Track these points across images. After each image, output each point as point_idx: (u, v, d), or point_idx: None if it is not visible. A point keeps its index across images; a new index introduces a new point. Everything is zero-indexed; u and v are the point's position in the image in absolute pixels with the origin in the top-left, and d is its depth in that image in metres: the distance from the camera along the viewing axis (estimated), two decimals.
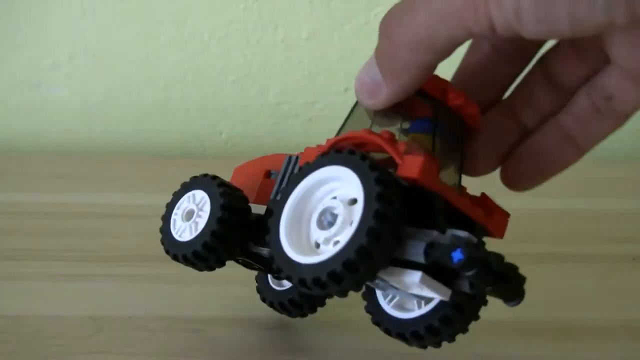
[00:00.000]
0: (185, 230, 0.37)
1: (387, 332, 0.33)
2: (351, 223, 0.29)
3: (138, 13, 0.73)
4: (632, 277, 0.49)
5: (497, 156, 0.35)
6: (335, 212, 0.31)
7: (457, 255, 0.28)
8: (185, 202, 0.37)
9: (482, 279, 0.29)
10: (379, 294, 0.34)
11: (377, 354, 0.40)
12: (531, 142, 0.35)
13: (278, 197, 0.33)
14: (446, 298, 0.31)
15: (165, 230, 0.37)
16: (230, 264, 0.46)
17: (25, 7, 0.73)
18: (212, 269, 0.37)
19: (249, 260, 0.38)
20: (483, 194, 0.34)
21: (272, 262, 0.31)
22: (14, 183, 0.64)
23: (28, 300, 0.45)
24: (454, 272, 0.30)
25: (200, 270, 0.37)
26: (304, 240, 0.31)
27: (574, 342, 0.42)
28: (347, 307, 0.38)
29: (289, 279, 0.30)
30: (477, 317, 0.32)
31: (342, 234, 0.30)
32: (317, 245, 0.31)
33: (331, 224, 0.30)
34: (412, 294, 0.32)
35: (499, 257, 0.29)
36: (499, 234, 0.34)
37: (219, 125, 0.75)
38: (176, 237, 0.37)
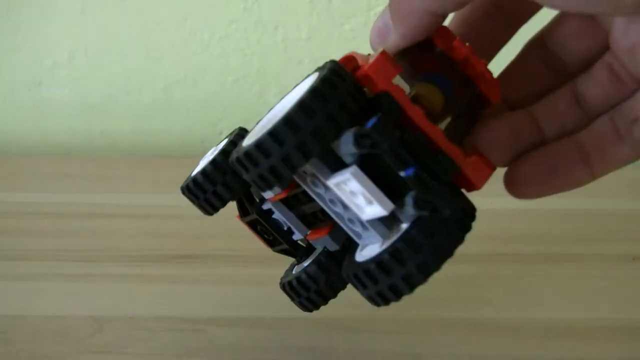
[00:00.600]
0: (199, 166, 0.38)
1: (348, 277, 0.31)
2: None
3: (138, 13, 0.73)
4: (632, 277, 0.49)
5: (511, 152, 0.34)
6: None
7: (371, 122, 0.28)
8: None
9: (396, 153, 0.28)
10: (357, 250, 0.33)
11: (377, 354, 0.40)
12: (545, 150, 0.34)
13: None
14: (387, 210, 0.29)
15: (191, 173, 0.38)
16: (233, 262, 0.46)
17: (25, 7, 0.73)
18: (212, 206, 0.37)
19: (265, 224, 0.38)
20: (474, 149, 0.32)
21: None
22: (14, 183, 0.64)
23: (28, 300, 0.45)
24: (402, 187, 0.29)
25: (203, 209, 0.37)
26: None
27: (573, 342, 0.42)
28: (348, 307, 0.38)
29: (232, 163, 0.30)
30: (438, 267, 0.29)
31: None
32: None
33: None
34: (367, 223, 0.31)
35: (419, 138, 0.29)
36: (476, 181, 0.31)
37: (219, 125, 0.75)
38: (193, 174, 0.38)
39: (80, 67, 0.74)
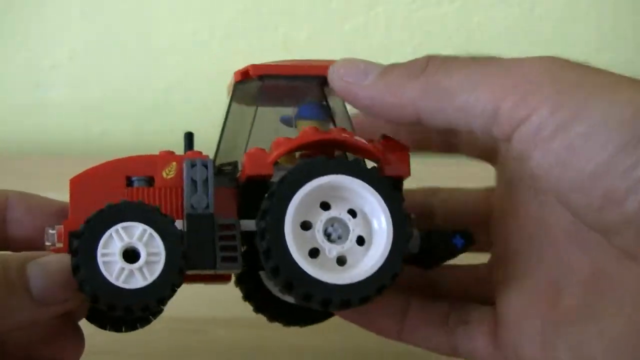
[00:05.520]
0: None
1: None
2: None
3: (138, 13, 0.73)
4: None
5: None
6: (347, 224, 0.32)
7: None
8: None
9: None
10: None
11: (377, 354, 0.40)
12: None
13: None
14: None
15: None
16: None
17: (25, 8, 0.73)
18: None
19: None
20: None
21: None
22: (14, 183, 0.64)
23: None
24: None
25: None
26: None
27: None
28: None
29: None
30: None
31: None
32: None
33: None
34: None
35: None
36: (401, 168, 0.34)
37: (219, 125, 0.75)
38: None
39: (80, 67, 0.74)
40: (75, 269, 0.30)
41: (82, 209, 0.32)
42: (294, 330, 0.42)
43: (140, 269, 0.31)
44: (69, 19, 0.73)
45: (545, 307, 0.33)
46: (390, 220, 0.31)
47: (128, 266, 0.31)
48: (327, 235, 0.32)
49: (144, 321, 0.37)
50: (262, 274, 0.37)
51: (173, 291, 0.31)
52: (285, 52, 0.73)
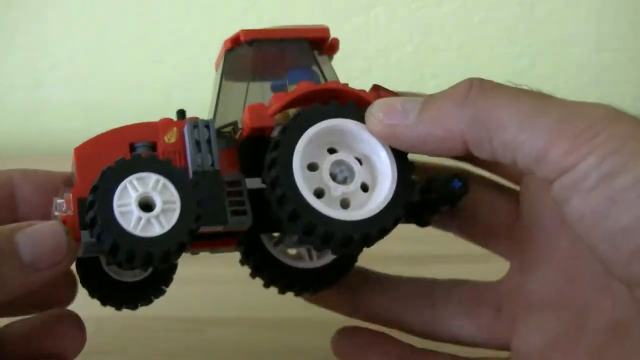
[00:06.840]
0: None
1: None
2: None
3: (138, 13, 0.73)
4: None
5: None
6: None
7: None
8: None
9: None
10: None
11: None
12: None
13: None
14: None
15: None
16: (233, 262, 0.46)
17: (24, 8, 0.73)
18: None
19: None
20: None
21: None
22: None
23: None
24: None
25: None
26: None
27: None
28: None
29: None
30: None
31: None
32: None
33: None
34: None
35: None
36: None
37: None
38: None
39: (80, 67, 0.74)
40: (91, 221, 0.30)
41: (89, 176, 0.32)
42: (294, 330, 0.42)
43: (157, 217, 0.31)
44: (69, 19, 0.73)
45: (568, 347, 0.33)
46: (394, 162, 0.32)
47: (145, 215, 0.31)
48: (333, 177, 0.32)
49: (145, 300, 0.37)
50: (263, 236, 0.37)
51: (191, 237, 0.31)
52: None
